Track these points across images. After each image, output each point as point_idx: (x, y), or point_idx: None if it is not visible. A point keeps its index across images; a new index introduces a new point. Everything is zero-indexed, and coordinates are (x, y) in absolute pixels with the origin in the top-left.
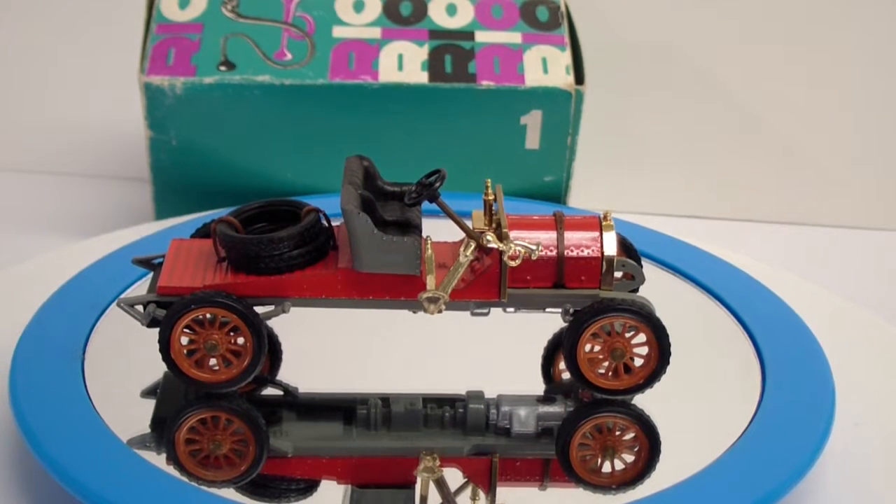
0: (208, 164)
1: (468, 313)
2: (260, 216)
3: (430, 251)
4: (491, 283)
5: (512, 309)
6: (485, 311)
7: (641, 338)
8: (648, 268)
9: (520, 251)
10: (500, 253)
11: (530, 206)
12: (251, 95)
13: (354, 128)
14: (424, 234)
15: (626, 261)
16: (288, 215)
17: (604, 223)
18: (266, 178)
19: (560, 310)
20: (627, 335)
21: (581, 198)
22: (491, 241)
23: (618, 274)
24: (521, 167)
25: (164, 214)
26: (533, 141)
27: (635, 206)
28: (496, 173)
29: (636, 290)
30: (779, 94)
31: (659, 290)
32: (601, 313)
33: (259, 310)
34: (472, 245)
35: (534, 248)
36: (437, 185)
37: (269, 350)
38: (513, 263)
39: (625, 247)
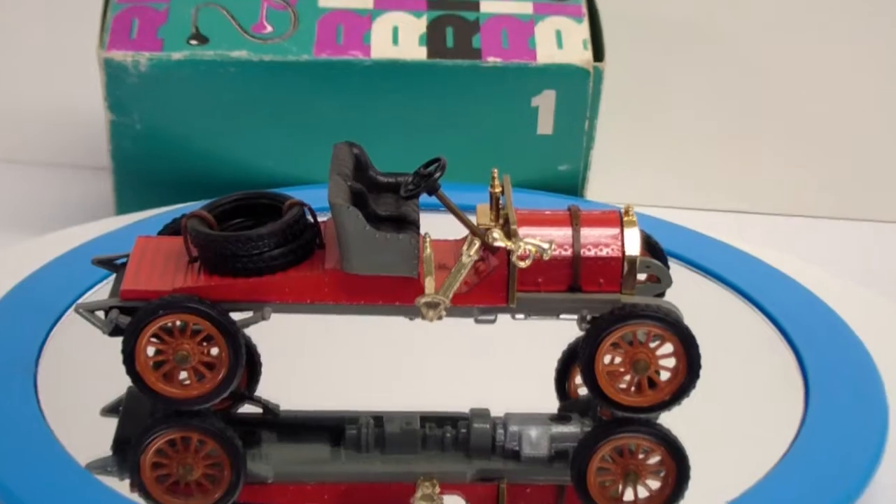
0: (177, 152)
1: (472, 320)
2: (236, 211)
3: (428, 250)
4: (497, 287)
5: (521, 315)
6: (491, 317)
7: (668, 348)
8: (676, 269)
9: (530, 250)
10: (508, 252)
11: (542, 200)
12: (226, 73)
13: (343, 111)
14: (422, 231)
15: (650, 261)
16: (268, 210)
17: (625, 218)
18: (243, 167)
19: (576, 316)
20: (652, 345)
21: (600, 190)
22: (497, 238)
23: (641, 276)
24: (532, 155)
25: (127, 209)
26: (546, 125)
27: (661, 200)
28: (504, 162)
29: (662, 295)
30: (820, 77)
31: (687, 293)
32: (622, 320)
33: (236, 316)
34: (477, 243)
35: (546, 246)
36: (437, 175)
37: (247, 362)
38: (522, 264)
39: (649, 245)
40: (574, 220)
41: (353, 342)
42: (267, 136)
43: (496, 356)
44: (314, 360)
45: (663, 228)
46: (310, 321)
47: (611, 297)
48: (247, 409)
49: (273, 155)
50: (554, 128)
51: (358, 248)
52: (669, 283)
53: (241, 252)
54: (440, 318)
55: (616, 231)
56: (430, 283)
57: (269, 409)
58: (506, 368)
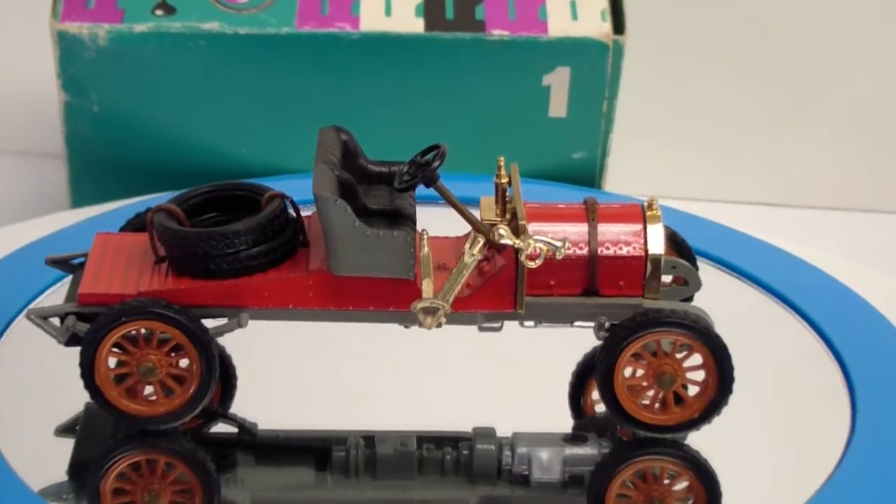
0: (141, 137)
1: (475, 328)
2: (209, 204)
3: (426, 249)
4: (504, 290)
5: (531, 323)
6: (496, 324)
7: (696, 359)
8: (705, 269)
9: (541, 249)
10: (516, 251)
11: (555, 191)
12: (195, 48)
13: (329, 91)
14: (419, 228)
15: (676, 261)
16: (245, 203)
17: (648, 213)
18: (216, 154)
19: (592, 324)
20: (679, 356)
21: (620, 180)
22: (504, 235)
23: (666, 278)
24: (543, 141)
25: (84, 201)
26: (559, 107)
27: (688, 191)
28: (511, 149)
29: (690, 299)
30: (867, 58)
31: (719, 297)
32: (645, 328)
33: (208, 323)
34: (481, 241)
35: (559, 244)
36: (436, 164)
37: (221, 375)
38: (532, 265)
39: (675, 243)
40: (591, 214)
41: (340, 353)
42: (243, 120)
43: (502, 369)
44: (296, 373)
45: (691, 224)
46: (292, 329)
47: (632, 302)
48: (221, 428)
49: (250, 141)
50: (568, 110)
51: (346, 246)
52: (698, 285)
53: (215, 251)
54: (439, 325)
55: (638, 227)
56: (427, 286)
57: (246, 428)
58: (513, 383)
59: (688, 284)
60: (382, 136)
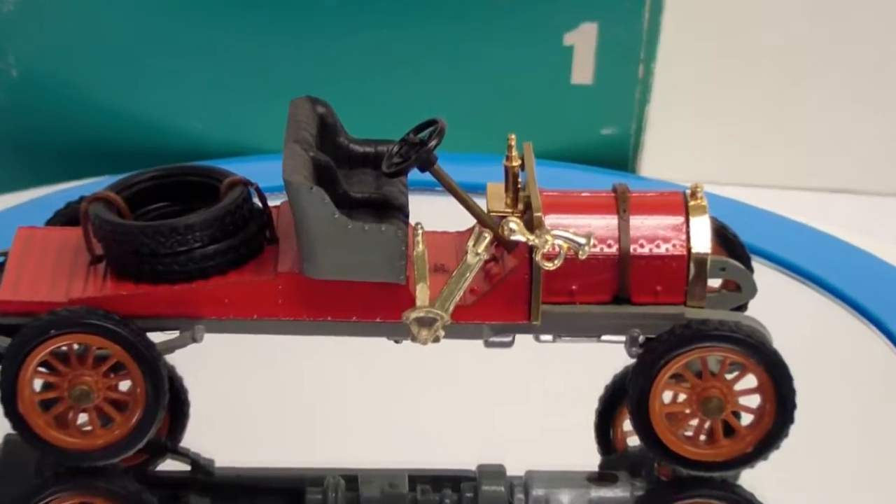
0: (71, 109)
1: (481, 343)
2: (156, 192)
3: (420, 246)
4: (515, 297)
5: (549, 336)
6: (507, 339)
7: (750, 381)
8: (761, 271)
9: (560, 247)
10: (531, 249)
11: (578, 176)
12: None
13: (303, 52)
14: (412, 221)
15: (726, 261)
16: (200, 190)
17: (692, 202)
18: (164, 130)
19: (624, 338)
20: (729, 377)
21: (657, 162)
22: (516, 230)
23: (714, 282)
24: (564, 114)
25: (1, 187)
26: (583, 72)
27: (740, 176)
28: (525, 124)
29: (744, 308)
30: None
31: (778, 305)
32: (688, 343)
33: (155, 337)
34: (487, 237)
35: (582, 241)
36: (433, 143)
37: (171, 401)
38: (549, 266)
39: (724, 239)
40: (621, 204)
41: (315, 373)
42: (196, 88)
43: (513, 393)
44: (262, 398)
45: (744, 215)
46: (257, 344)
47: (672, 311)
48: (170, 465)
49: (206, 114)
50: (595, 76)
51: (324, 243)
52: (753, 291)
53: (163, 249)
54: (437, 339)
55: (679, 219)
56: (422, 292)
57: (201, 465)
58: (527, 410)
59: (740, 290)
60: (368, 108)
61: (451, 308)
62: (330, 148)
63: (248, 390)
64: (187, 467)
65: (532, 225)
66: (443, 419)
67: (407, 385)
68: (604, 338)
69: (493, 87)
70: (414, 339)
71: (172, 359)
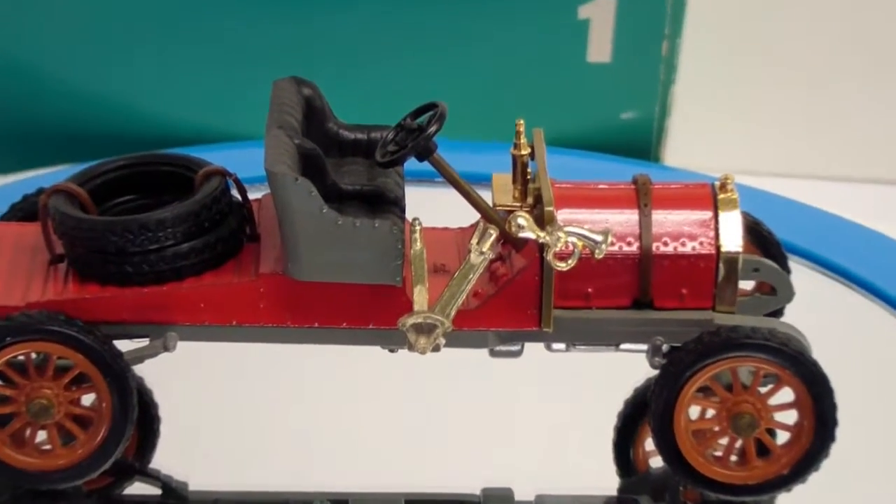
0: (32, 91)
1: (486, 352)
2: (124, 183)
3: (419, 244)
4: (524, 301)
5: (561, 345)
6: (514, 347)
7: (786, 395)
8: (799, 271)
9: (574, 245)
10: (542, 248)
11: (595, 165)
12: None
13: (286, 26)
14: (409, 216)
15: (759, 261)
16: (172, 181)
17: (721, 195)
18: (132, 113)
19: (645, 346)
20: (763, 391)
21: (683, 150)
22: (524, 226)
23: (746, 284)
24: (579, 96)
25: None
26: (601, 49)
27: (775, 166)
28: (535, 108)
29: (779, 313)
30: None
31: (818, 309)
32: (717, 353)
33: (123, 346)
34: (493, 234)
35: (599, 239)
36: (432, 129)
37: (139, 416)
38: (562, 266)
39: (758, 236)
40: (643, 197)
41: (301, 387)
42: (167, 68)
43: (522, 408)
44: (241, 414)
45: (780, 209)
46: (236, 354)
47: (699, 317)
48: (138, 488)
49: (179, 96)
50: (613, 53)
51: (311, 240)
52: (790, 294)
53: (132, 247)
54: (436, 348)
55: (707, 214)
56: (421, 295)
57: (172, 488)
58: (537, 427)
59: (775, 293)
60: (359, 90)
61: (453, 313)
62: (317, 134)
63: (226, 405)
64: (158, 491)
65: (543, 220)
66: (443, 437)
67: (403, 399)
68: (623, 346)
69: (499, 66)
70: (411, 347)
71: (141, 370)
